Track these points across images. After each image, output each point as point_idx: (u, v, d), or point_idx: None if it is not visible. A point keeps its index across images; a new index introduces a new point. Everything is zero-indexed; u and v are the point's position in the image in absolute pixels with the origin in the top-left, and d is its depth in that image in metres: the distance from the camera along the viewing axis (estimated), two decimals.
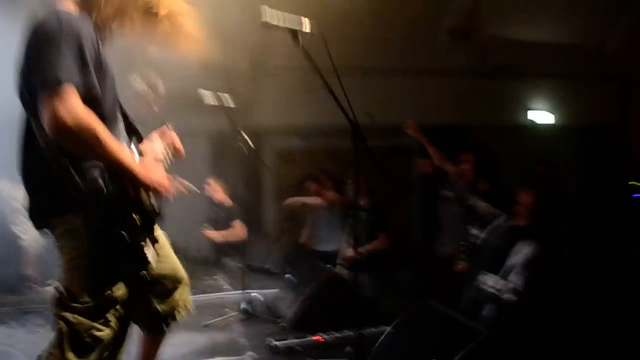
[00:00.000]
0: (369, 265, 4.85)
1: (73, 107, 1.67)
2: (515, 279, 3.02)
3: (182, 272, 2.37)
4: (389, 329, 2.66)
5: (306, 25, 2.53)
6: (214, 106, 4.17)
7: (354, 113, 2.79)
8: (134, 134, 2.16)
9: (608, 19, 8.11)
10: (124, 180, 1.87)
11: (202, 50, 2.31)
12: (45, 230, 1.94)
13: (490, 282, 3.11)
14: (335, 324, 3.33)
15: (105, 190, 1.79)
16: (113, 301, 1.91)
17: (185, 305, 2.38)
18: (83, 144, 1.72)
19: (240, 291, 4.16)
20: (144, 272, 2.01)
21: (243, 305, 3.83)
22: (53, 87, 1.66)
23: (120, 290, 1.93)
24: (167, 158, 2.27)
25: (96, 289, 1.88)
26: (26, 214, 1.95)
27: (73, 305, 1.85)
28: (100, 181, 1.80)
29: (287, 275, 4.76)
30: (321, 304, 3.39)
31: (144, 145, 2.19)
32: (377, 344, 2.64)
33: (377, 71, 7.69)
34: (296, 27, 2.49)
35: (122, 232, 1.82)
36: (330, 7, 5.99)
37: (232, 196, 6.20)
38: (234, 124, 4.20)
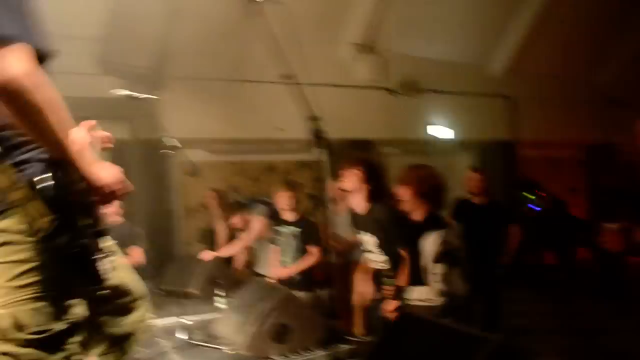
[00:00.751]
0: (304, 283, 4.58)
1: (27, 61, 1.29)
2: (436, 276, 2.87)
3: (141, 287, 1.96)
4: (376, 341, 2.39)
5: None
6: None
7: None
8: None
9: (493, 40, 8.64)
10: (70, 172, 1.45)
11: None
12: None
13: (416, 295, 2.92)
14: (292, 345, 3.02)
15: (55, 184, 1.39)
16: (72, 326, 1.50)
17: (145, 328, 1.98)
18: (34, 110, 1.31)
19: (167, 318, 3.68)
20: (100, 289, 1.59)
21: (178, 334, 3.35)
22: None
23: (79, 311, 1.52)
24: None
25: (50, 312, 1.45)
26: None
27: (20, 336, 1.41)
28: (47, 172, 1.39)
29: (219, 300, 4.33)
30: (275, 325, 3.03)
31: None
32: None
33: (281, 84, 7.48)
34: None
35: (77, 238, 1.42)
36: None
37: (133, 216, 5.60)
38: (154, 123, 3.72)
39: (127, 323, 1.89)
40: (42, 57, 1.40)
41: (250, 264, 5.55)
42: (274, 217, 5.48)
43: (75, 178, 1.45)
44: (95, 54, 5.60)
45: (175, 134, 6.70)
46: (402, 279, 3.09)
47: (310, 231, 4.81)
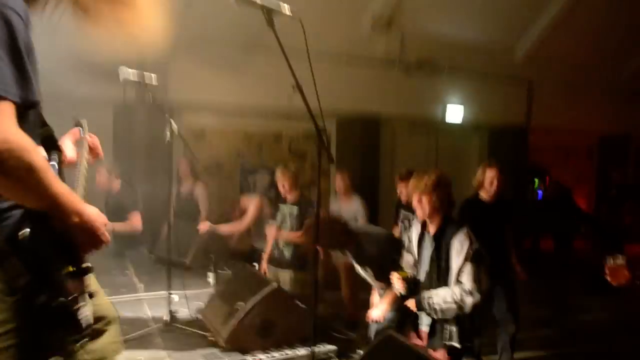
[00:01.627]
0: (297, 263, 4.50)
1: (5, 126, 1.16)
2: (463, 279, 2.81)
3: (112, 309, 1.86)
4: None
5: (285, 9, 2.17)
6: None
7: (322, 117, 2.38)
8: (53, 147, 1.58)
9: (519, 25, 8.31)
10: (56, 223, 1.32)
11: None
12: None
13: (439, 299, 2.86)
14: (275, 340, 2.94)
15: (33, 237, 1.27)
16: None
17: (116, 350, 1.88)
18: (12, 176, 1.18)
19: (158, 292, 3.60)
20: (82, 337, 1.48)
21: (166, 317, 3.27)
22: None
23: None
24: (84, 170, 1.75)
25: None
26: None
27: None
28: (26, 225, 1.27)
29: (209, 276, 4.27)
30: (260, 320, 2.94)
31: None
32: None
33: (294, 53, 7.25)
34: (274, 7, 2.13)
35: (58, 294, 1.31)
36: None
37: (132, 180, 5.44)
38: (160, 107, 3.57)
39: (98, 347, 1.79)
40: (27, 107, 1.26)
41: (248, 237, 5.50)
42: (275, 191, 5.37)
43: (57, 226, 1.32)
44: None
45: (183, 96, 6.60)
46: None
47: (308, 211, 4.70)
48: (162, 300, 3.49)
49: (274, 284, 3.00)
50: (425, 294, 2.87)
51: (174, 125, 3.33)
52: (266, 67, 6.98)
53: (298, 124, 7.56)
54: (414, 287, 3.06)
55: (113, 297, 3.70)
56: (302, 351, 2.89)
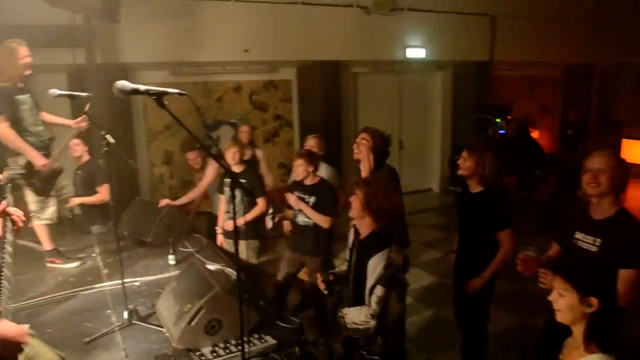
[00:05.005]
0: (251, 233, 4.81)
1: None
2: (372, 301, 2.88)
3: (53, 356, 2.16)
4: None
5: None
6: None
7: None
8: None
9: None
10: None
11: None
12: None
13: (351, 318, 2.98)
14: (223, 336, 3.25)
15: None
16: None
17: None
18: None
19: (120, 282, 3.80)
20: None
21: (126, 315, 3.55)
22: None
23: None
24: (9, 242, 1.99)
25: None
26: None
27: None
28: None
29: (170, 258, 4.52)
30: (207, 320, 3.26)
31: None
32: None
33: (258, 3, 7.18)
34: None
35: None
36: None
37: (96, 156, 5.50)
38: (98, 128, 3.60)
39: None
40: None
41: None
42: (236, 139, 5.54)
43: None
44: None
45: (135, 58, 6.61)
46: None
47: (254, 183, 4.88)
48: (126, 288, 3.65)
49: (217, 289, 3.29)
50: (341, 312, 3.04)
51: (110, 139, 3.44)
52: (217, 20, 6.97)
53: (257, 75, 7.64)
54: (337, 283, 3.27)
55: (79, 289, 4.04)
56: (246, 346, 3.21)
